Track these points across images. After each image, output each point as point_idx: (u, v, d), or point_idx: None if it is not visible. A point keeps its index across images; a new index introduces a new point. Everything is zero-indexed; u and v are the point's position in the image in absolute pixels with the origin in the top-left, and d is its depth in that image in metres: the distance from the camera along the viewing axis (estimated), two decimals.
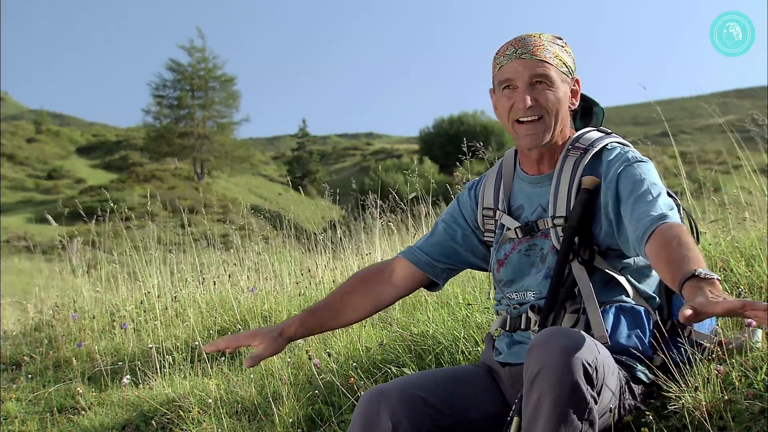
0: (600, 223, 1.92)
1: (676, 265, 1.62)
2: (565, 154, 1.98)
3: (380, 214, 5.43)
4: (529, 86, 1.93)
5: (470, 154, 4.43)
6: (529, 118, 1.94)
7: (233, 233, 6.05)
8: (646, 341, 1.93)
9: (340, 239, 5.44)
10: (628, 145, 2.02)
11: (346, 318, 2.20)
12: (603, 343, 1.76)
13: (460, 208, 2.18)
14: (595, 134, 2.02)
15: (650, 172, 1.91)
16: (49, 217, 6.19)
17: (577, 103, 2.03)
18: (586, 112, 2.12)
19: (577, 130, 2.07)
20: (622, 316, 1.90)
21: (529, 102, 1.92)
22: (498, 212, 2.08)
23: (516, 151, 2.13)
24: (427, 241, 2.18)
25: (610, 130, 2.08)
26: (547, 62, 1.93)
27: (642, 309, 1.92)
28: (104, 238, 6.84)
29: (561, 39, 2.00)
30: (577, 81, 2.02)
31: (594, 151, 1.96)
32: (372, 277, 2.20)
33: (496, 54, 2.00)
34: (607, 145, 1.98)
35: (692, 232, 2.15)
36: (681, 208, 2.06)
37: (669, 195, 2.05)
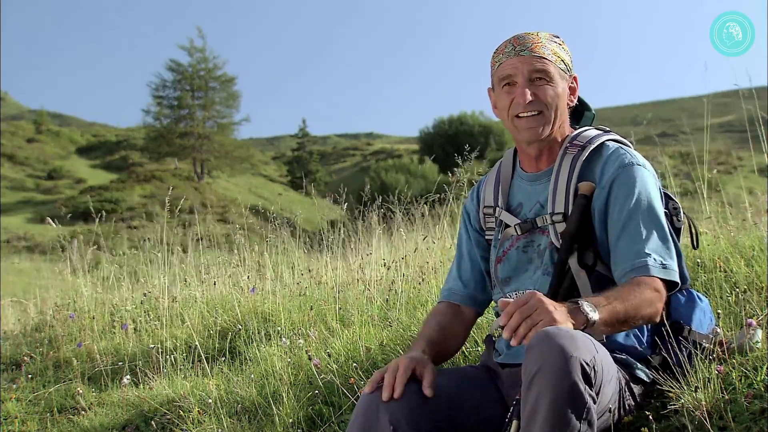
0: (597, 227, 1.94)
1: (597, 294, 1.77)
2: (564, 152, 1.99)
3: (381, 215, 5.43)
4: (529, 82, 1.95)
5: (472, 152, 4.44)
6: (529, 113, 1.95)
7: (235, 233, 6.05)
8: (644, 340, 1.93)
9: (342, 240, 5.44)
10: (627, 145, 2.02)
11: (450, 353, 2.14)
12: (598, 340, 1.77)
13: (468, 215, 2.21)
14: (593, 132, 2.04)
15: (645, 182, 1.92)
16: (50, 220, 6.19)
17: (575, 101, 2.04)
18: (578, 114, 2.13)
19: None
20: None
21: (528, 97, 1.93)
22: (498, 209, 2.09)
23: (515, 150, 2.14)
24: (460, 273, 2.19)
25: (608, 128, 2.09)
26: (546, 58, 1.95)
27: None
28: (104, 238, 6.84)
29: (558, 37, 2.02)
30: (574, 78, 2.03)
31: (591, 148, 1.96)
32: (449, 318, 2.14)
33: (495, 52, 2.02)
34: (604, 142, 1.99)
35: (691, 235, 2.16)
36: (681, 211, 2.07)
37: (668, 196, 2.06)
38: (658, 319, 1.84)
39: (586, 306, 1.68)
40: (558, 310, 1.63)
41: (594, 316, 1.67)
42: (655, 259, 1.83)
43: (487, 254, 2.16)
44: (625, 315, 1.74)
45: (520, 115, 1.97)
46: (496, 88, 2.02)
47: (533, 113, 1.95)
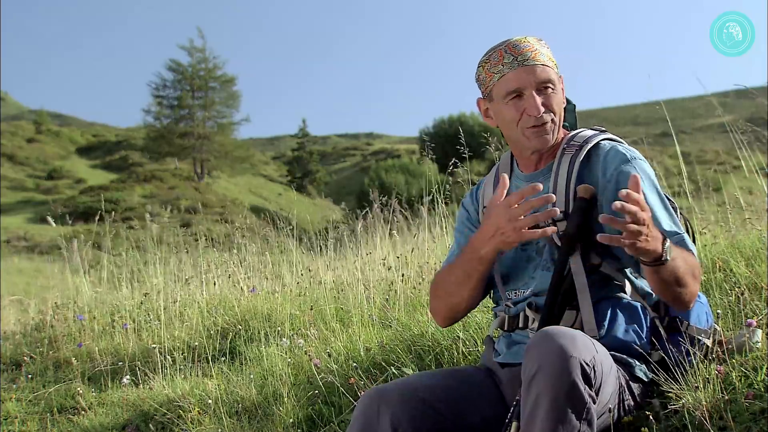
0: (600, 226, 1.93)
1: None
2: (561, 152, 1.99)
3: (381, 213, 5.44)
4: (538, 92, 1.94)
5: (471, 152, 4.44)
6: (540, 124, 1.95)
7: (235, 233, 6.05)
8: (643, 336, 1.93)
9: (343, 239, 5.44)
10: (622, 142, 2.03)
11: (454, 298, 2.08)
12: (592, 336, 1.77)
13: (467, 212, 2.20)
14: (589, 132, 2.05)
15: (650, 175, 1.94)
16: (50, 218, 6.18)
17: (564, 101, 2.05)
18: None
19: None
20: (618, 312, 1.91)
21: (542, 108, 1.93)
22: None
23: (512, 153, 2.14)
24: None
25: (604, 128, 2.09)
26: (547, 65, 1.95)
27: (638, 305, 1.94)
28: (105, 237, 6.85)
29: (542, 40, 2.02)
30: (561, 79, 2.04)
31: (588, 147, 1.97)
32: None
33: (487, 63, 1.99)
34: (600, 141, 2.00)
35: (689, 235, 2.16)
36: (678, 211, 2.07)
37: (666, 197, 2.06)
38: (691, 306, 1.88)
39: (668, 249, 1.71)
40: (657, 237, 1.69)
41: (667, 258, 1.71)
42: (687, 236, 1.87)
43: None
44: (682, 277, 1.77)
45: (532, 125, 1.96)
46: (498, 100, 1.99)
47: (544, 123, 1.96)
